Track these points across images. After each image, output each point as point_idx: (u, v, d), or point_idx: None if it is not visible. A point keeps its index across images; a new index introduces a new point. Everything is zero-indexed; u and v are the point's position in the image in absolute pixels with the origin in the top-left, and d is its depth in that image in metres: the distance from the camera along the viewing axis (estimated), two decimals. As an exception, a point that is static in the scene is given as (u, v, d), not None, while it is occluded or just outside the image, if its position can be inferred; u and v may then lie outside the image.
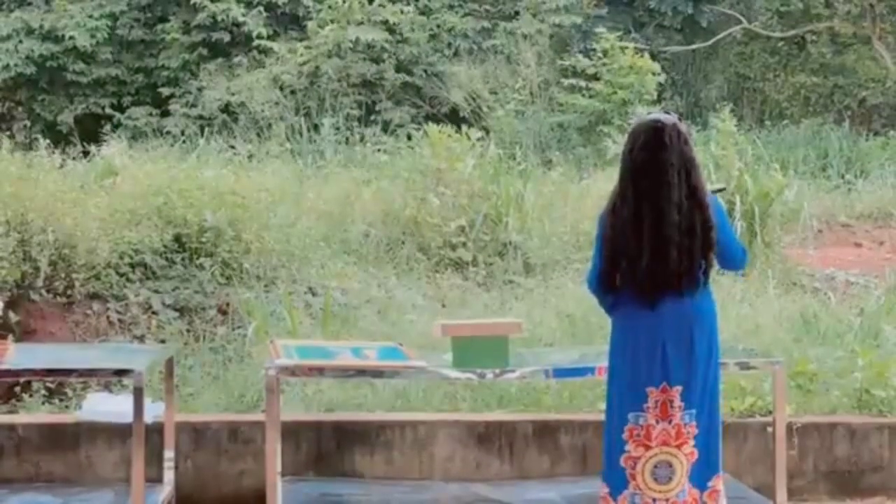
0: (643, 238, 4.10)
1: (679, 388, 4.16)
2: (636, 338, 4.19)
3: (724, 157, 10.09)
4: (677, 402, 4.16)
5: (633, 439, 4.19)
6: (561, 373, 4.96)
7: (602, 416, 5.73)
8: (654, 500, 4.17)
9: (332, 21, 16.23)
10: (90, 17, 16.70)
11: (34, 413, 5.98)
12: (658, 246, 4.09)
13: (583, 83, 15.66)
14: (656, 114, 4.38)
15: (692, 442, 4.19)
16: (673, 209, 4.09)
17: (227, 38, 16.78)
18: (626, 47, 15.47)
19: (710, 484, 4.24)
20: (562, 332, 6.86)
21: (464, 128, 10.39)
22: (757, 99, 18.99)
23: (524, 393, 6.03)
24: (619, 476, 4.22)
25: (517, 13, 17.72)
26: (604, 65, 15.42)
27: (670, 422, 4.16)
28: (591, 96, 15.35)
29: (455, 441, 5.58)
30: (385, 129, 13.79)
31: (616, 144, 12.37)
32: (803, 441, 5.66)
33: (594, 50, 15.77)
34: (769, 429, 5.00)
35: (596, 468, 5.53)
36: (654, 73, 15.22)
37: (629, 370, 4.21)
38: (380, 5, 16.37)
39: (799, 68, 19.44)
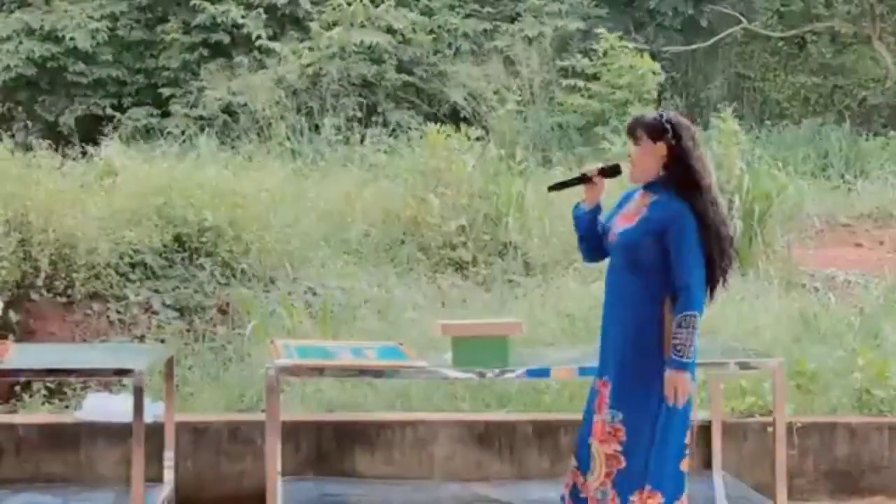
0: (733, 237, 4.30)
1: None
2: None
3: (725, 157, 10.08)
4: None
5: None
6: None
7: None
8: None
9: (334, 23, 16.22)
10: (90, 17, 16.68)
11: (34, 413, 5.98)
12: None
13: (582, 83, 15.66)
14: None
15: None
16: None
17: (227, 39, 16.78)
18: (626, 47, 15.46)
19: None
20: (562, 331, 6.86)
21: (464, 127, 10.39)
22: (757, 99, 18.96)
23: (524, 393, 6.04)
24: (682, 480, 4.21)
25: (518, 15, 17.72)
26: (603, 65, 15.42)
27: None
28: (590, 96, 15.34)
29: (455, 441, 5.58)
30: (386, 129, 13.78)
31: (614, 145, 12.38)
32: (803, 441, 5.66)
33: (594, 50, 15.77)
34: (769, 429, 5.00)
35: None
36: (654, 73, 15.21)
37: None
38: (385, 10, 16.35)
39: (799, 68, 19.42)
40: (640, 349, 4.09)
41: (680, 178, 4.13)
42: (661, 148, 4.16)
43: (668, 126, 4.16)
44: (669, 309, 4.07)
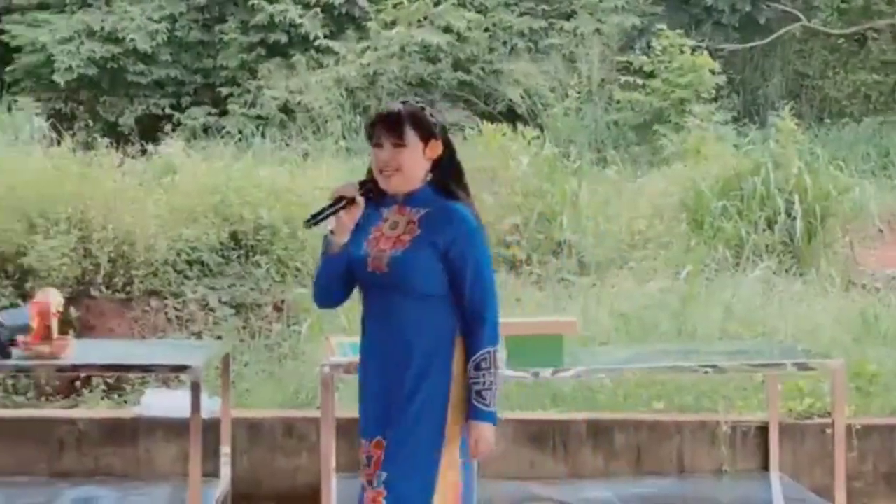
0: None
1: None
2: None
3: (783, 156, 9.97)
4: None
5: None
6: None
7: (658, 417, 5.73)
8: None
9: (393, 22, 16.26)
10: (150, 19, 16.89)
11: (94, 408, 6.07)
12: None
13: (640, 81, 15.55)
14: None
15: None
16: None
17: (284, 38, 16.90)
18: (685, 45, 15.33)
19: None
20: (616, 330, 6.82)
21: (519, 126, 10.36)
22: (816, 97, 18.71)
23: (578, 392, 6.01)
24: None
25: (574, 12, 17.65)
26: (661, 62, 15.29)
27: None
28: (648, 94, 15.23)
29: (508, 440, 5.56)
30: (441, 128, 13.79)
31: (672, 144, 12.29)
32: (863, 443, 5.57)
33: (652, 48, 15.66)
34: (827, 430, 4.92)
35: (650, 467, 5.53)
36: (712, 72, 15.07)
37: None
38: (445, 10, 16.34)
39: (859, 66, 19.14)
40: (430, 392, 3.31)
41: (450, 180, 3.47)
42: (434, 147, 3.43)
43: (434, 119, 3.47)
44: (460, 340, 3.35)
